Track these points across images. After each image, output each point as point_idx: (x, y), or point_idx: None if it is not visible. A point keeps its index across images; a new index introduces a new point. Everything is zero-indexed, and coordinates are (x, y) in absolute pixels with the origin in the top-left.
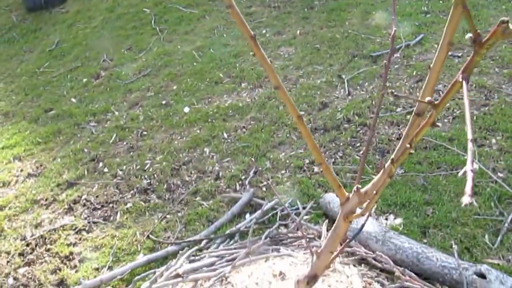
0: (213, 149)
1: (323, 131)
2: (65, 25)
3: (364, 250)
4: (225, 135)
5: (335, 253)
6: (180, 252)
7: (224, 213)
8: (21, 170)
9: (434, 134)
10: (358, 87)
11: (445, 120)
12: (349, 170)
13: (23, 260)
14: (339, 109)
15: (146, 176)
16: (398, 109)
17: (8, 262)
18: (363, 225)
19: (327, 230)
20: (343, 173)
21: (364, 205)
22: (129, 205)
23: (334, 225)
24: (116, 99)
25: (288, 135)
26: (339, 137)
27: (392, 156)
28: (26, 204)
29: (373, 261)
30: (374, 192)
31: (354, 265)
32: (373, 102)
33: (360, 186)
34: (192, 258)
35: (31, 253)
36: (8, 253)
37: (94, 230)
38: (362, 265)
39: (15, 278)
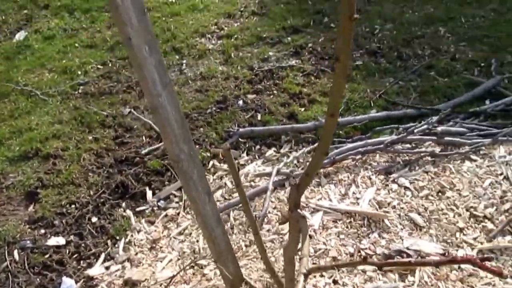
0: (449, 30)
1: None
2: None
3: None
4: (463, 19)
5: None
6: (432, 116)
7: (461, 93)
8: (245, 7)
9: None
10: None
11: None
12: None
13: (251, 88)
14: None
15: (375, 40)
16: None
17: (236, 86)
18: None
19: None
20: None
21: None
22: (358, 62)
23: None
24: None
25: None
26: None
27: None
28: (251, 38)
29: None
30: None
31: None
32: None
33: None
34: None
35: (259, 83)
36: (236, 78)
37: (322, 77)
38: None
39: (245, 102)
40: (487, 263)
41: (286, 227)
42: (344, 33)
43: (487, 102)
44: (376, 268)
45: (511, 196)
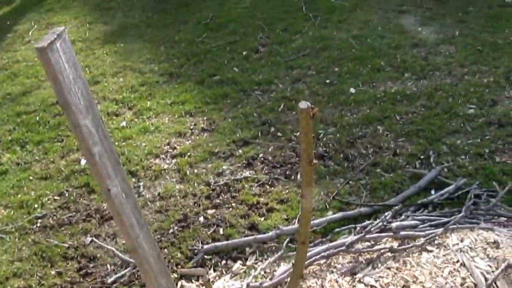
0: (386, 128)
1: (497, 126)
2: (216, 3)
3: None
4: (397, 117)
5: None
6: (386, 213)
7: (408, 186)
8: (195, 124)
9: None
10: None
11: None
12: None
13: (210, 203)
14: None
15: (321, 144)
16: None
17: (195, 203)
18: None
19: None
20: None
21: None
22: None
23: None
24: (279, 73)
25: (462, 125)
26: None
27: None
28: (204, 154)
29: None
30: None
31: None
32: None
33: None
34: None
35: (217, 197)
36: (194, 195)
37: (276, 186)
38: None
39: (205, 218)
40: None
41: None
42: (306, 176)
43: (433, 192)
44: None
45: (470, 282)
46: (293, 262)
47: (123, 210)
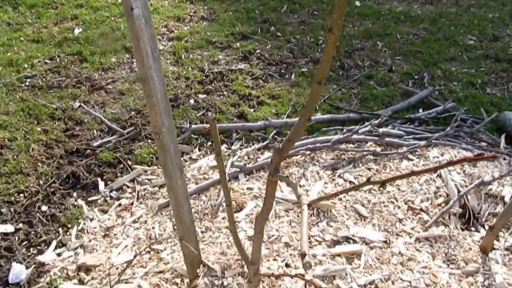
0: (386, 44)
1: (494, 60)
2: None
3: None
4: (398, 36)
5: None
6: (371, 120)
7: (398, 101)
8: (195, 12)
9: None
10: None
11: None
12: None
13: (202, 88)
14: (511, 45)
15: (319, 50)
16: None
17: (187, 86)
18: None
19: (506, 143)
20: None
21: None
22: (304, 69)
23: None
24: None
25: (460, 54)
26: (511, 69)
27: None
28: (201, 42)
29: None
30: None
31: None
32: None
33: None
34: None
35: (210, 84)
36: (187, 78)
37: (270, 82)
38: None
39: (196, 101)
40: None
41: (241, 215)
42: (339, 9)
43: (421, 110)
44: (326, 251)
45: (443, 192)
46: (305, 103)
47: (141, 35)
